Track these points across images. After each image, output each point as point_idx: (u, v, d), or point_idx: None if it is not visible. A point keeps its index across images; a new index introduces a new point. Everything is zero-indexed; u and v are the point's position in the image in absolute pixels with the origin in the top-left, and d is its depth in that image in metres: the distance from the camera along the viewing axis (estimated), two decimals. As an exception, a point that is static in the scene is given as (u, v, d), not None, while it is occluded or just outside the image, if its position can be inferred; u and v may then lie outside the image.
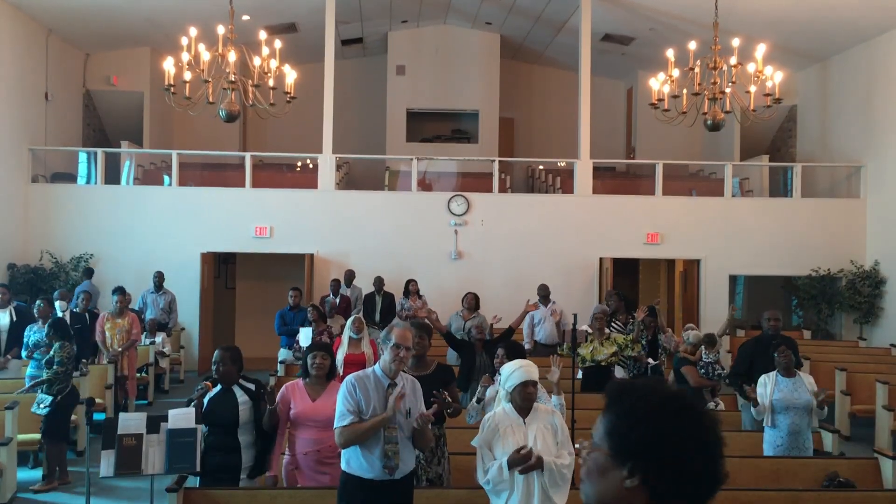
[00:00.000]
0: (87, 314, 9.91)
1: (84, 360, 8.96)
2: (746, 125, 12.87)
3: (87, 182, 14.17)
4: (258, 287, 15.09)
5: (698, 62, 8.78)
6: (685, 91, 8.97)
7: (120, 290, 9.67)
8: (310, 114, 14.76)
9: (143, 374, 10.66)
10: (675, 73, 8.90)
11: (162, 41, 14.56)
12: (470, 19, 16.88)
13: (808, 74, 15.55)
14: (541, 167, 17.22)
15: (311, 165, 15.44)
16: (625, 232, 13.58)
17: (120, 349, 9.33)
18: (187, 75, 8.24)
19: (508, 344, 5.91)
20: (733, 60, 8.59)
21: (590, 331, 7.93)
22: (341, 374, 6.21)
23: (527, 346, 9.52)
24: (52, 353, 7.28)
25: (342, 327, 8.03)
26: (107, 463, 4.84)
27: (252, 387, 5.11)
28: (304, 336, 8.73)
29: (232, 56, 8.22)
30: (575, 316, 6.99)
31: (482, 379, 5.35)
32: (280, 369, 9.44)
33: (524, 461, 3.98)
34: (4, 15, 12.47)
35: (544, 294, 10.71)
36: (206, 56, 8.26)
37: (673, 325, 14.85)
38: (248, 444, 5.03)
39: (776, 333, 7.42)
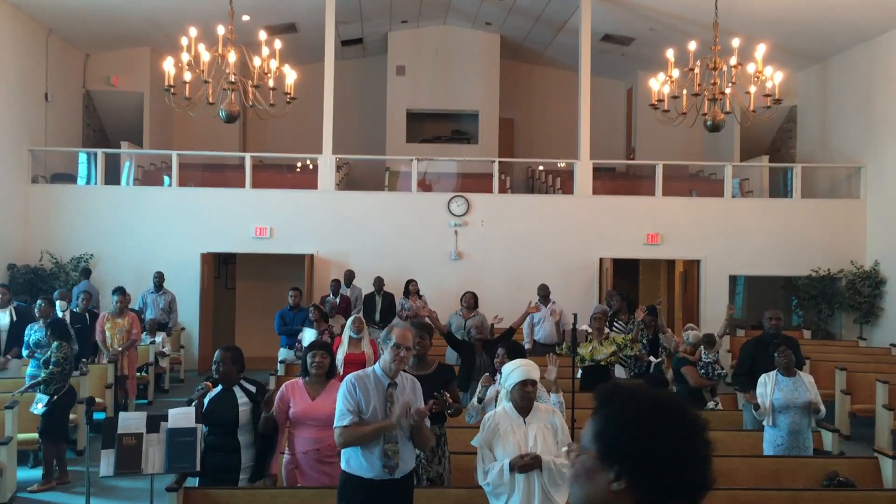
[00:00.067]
0: (87, 314, 9.91)
1: (84, 360, 8.97)
2: (746, 126, 12.87)
3: (87, 182, 14.17)
4: (258, 287, 15.09)
5: (698, 62, 8.78)
6: (685, 91, 8.97)
7: (120, 290, 9.68)
8: (310, 114, 14.77)
9: (143, 374, 10.66)
10: (675, 73, 8.90)
11: (162, 41, 14.56)
12: (470, 19, 16.88)
13: (808, 74, 15.56)
14: (541, 168, 17.23)
15: (311, 166, 15.45)
16: (625, 232, 13.58)
17: (120, 349, 9.33)
18: (187, 76, 8.24)
19: (509, 344, 5.91)
20: (733, 61, 8.59)
21: (590, 330, 7.94)
22: (341, 373, 6.21)
23: (526, 346, 9.53)
24: (49, 353, 7.27)
25: (342, 327, 8.04)
26: (107, 462, 4.84)
27: (253, 389, 5.11)
28: (308, 336, 8.72)
29: (232, 56, 8.22)
30: (575, 316, 6.99)
31: (483, 379, 5.35)
32: (280, 369, 9.45)
33: (528, 468, 3.99)
34: (4, 15, 12.47)
35: (544, 294, 10.72)
36: (206, 56, 8.25)
37: (673, 326, 14.85)
38: (247, 445, 5.02)
39: (777, 333, 7.42)
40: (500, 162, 14.30)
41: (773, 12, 12.53)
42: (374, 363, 4.38)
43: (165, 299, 11.85)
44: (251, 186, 13.55)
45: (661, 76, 9.06)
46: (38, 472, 7.44)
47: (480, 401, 5.22)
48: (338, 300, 11.37)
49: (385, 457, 4.12)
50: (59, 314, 9.05)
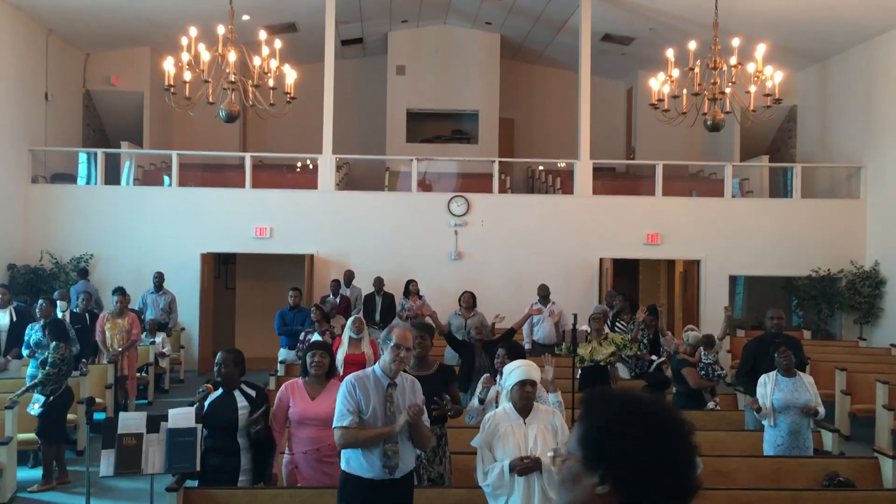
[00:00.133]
0: (87, 314, 9.91)
1: (84, 360, 8.97)
2: (746, 125, 12.87)
3: (87, 182, 14.17)
4: (258, 287, 15.09)
5: (698, 62, 8.78)
6: (685, 91, 8.97)
7: (120, 291, 9.67)
8: (310, 114, 14.77)
9: (143, 374, 10.66)
10: (675, 73, 8.90)
11: (162, 41, 14.56)
12: (470, 19, 16.88)
13: (808, 74, 15.56)
14: (541, 167, 17.23)
15: (311, 166, 15.44)
16: (625, 232, 13.58)
17: (120, 349, 9.33)
18: (187, 75, 8.24)
19: (509, 344, 5.92)
20: (733, 60, 8.59)
21: (588, 330, 7.94)
22: (341, 374, 6.21)
23: (526, 346, 9.52)
24: (46, 353, 7.26)
25: (342, 327, 8.03)
26: (107, 462, 4.84)
27: (253, 393, 5.11)
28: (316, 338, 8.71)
29: (232, 56, 8.22)
30: (575, 316, 7.00)
31: (484, 380, 5.35)
32: (280, 369, 9.45)
33: (528, 471, 3.99)
34: (4, 15, 12.47)
35: (544, 294, 10.72)
36: (206, 56, 8.26)
37: (673, 326, 14.88)
38: (247, 447, 5.02)
39: (779, 332, 7.41)
40: (500, 162, 14.30)
41: (773, 12, 12.53)
42: (374, 363, 4.37)
43: (165, 299, 11.84)
44: (251, 186, 13.55)
45: (661, 76, 9.06)
46: (38, 473, 7.44)
47: (482, 402, 5.22)
48: (338, 300, 11.37)
49: (385, 457, 4.12)
50: (59, 314, 9.04)
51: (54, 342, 7.23)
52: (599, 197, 13.98)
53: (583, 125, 13.89)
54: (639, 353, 9.00)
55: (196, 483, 5.07)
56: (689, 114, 8.96)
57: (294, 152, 16.27)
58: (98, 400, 8.66)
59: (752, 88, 8.71)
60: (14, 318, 8.99)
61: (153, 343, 11.10)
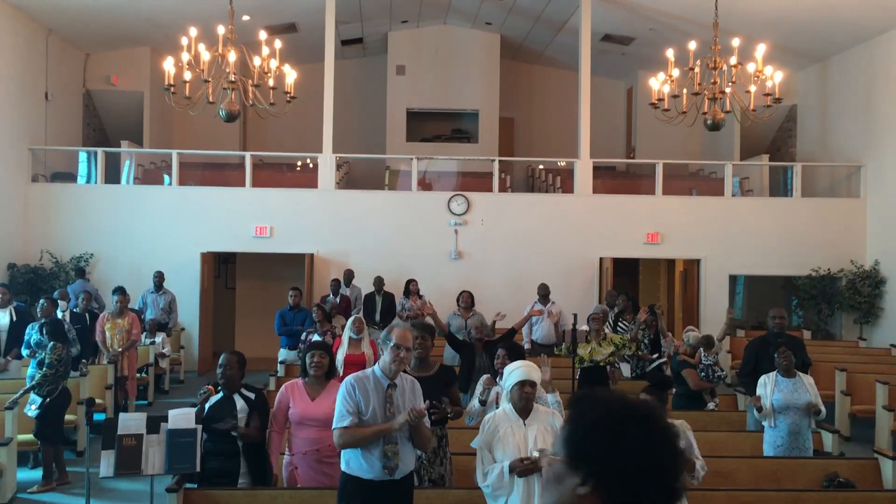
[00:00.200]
0: (87, 314, 9.90)
1: (84, 361, 8.97)
2: (746, 125, 12.87)
3: (87, 182, 14.17)
4: (258, 287, 15.09)
5: (698, 62, 8.78)
6: (685, 91, 8.97)
7: (120, 290, 9.67)
8: (310, 114, 14.77)
9: (143, 375, 10.65)
10: (675, 72, 8.90)
11: (162, 41, 14.55)
12: (470, 19, 16.88)
13: (808, 74, 15.55)
14: (541, 167, 17.23)
15: (311, 165, 15.44)
16: (625, 232, 13.57)
17: (120, 349, 9.32)
18: (187, 75, 8.24)
19: (508, 345, 5.92)
20: (733, 60, 8.59)
21: (587, 329, 7.95)
22: (341, 374, 6.21)
23: (525, 346, 9.52)
24: (42, 354, 7.24)
25: (342, 327, 8.03)
26: (107, 463, 4.85)
27: (252, 396, 5.11)
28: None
29: (232, 56, 8.22)
30: (575, 316, 7.00)
31: (485, 381, 5.34)
32: (280, 370, 9.45)
33: (528, 473, 3.99)
34: (4, 15, 12.47)
35: (544, 293, 10.72)
36: (206, 56, 8.26)
37: (673, 325, 14.88)
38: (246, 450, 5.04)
39: (781, 332, 7.41)
40: (500, 161, 14.29)
41: (773, 12, 12.53)
42: (374, 364, 4.37)
43: (165, 299, 11.84)
44: (251, 185, 13.54)
45: (662, 75, 9.06)
46: (38, 473, 7.44)
47: (483, 403, 5.21)
48: (338, 300, 11.37)
49: (385, 458, 4.12)
50: (60, 314, 9.03)
51: (51, 342, 7.21)
52: (599, 196, 13.97)
53: (583, 125, 13.88)
54: (640, 353, 9.02)
55: (195, 485, 5.07)
56: (689, 113, 8.96)
57: (294, 152, 16.27)
58: (98, 401, 8.65)
59: (752, 88, 8.71)
60: (14, 318, 8.98)
61: (153, 343, 11.09)
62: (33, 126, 13.49)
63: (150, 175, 15.28)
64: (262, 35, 8.67)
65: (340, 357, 6.99)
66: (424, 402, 4.31)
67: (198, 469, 4.88)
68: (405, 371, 4.42)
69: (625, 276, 15.42)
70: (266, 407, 5.22)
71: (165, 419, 4.94)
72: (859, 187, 13.89)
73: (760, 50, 8.57)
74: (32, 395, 7.12)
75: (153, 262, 12.43)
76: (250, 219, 13.30)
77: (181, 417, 4.92)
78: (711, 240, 13.60)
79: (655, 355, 9.03)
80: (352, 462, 4.17)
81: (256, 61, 8.17)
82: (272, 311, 10.80)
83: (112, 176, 14.28)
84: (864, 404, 9.47)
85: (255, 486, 5.04)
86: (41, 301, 8.63)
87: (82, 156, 14.64)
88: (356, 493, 4.14)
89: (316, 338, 8.73)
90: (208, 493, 4.91)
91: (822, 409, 6.27)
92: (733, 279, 14.40)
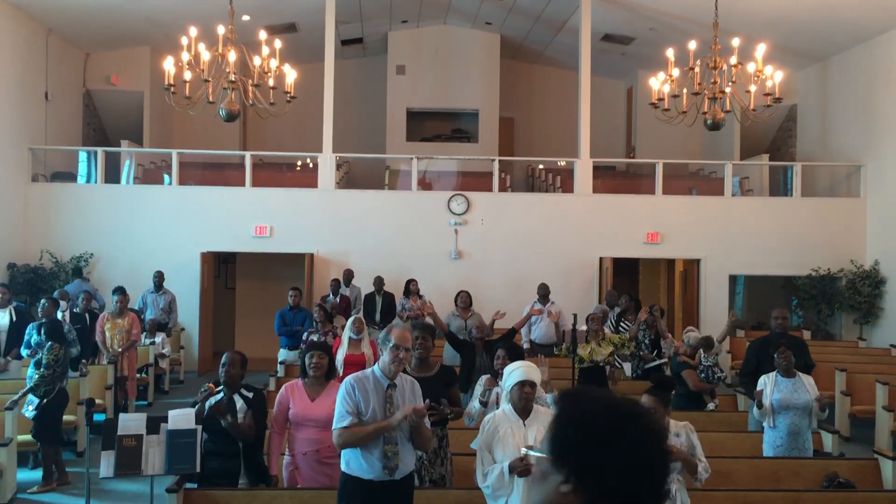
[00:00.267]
0: (87, 314, 9.90)
1: (84, 361, 8.96)
2: (746, 125, 12.86)
3: (87, 181, 14.16)
4: (258, 287, 15.08)
5: (698, 62, 8.78)
6: (685, 90, 8.97)
7: (120, 290, 9.67)
8: (310, 113, 14.76)
9: (143, 375, 10.65)
10: (675, 72, 8.90)
11: (162, 41, 14.55)
12: (470, 19, 16.87)
13: (808, 74, 15.55)
14: (541, 166, 17.22)
15: (311, 165, 15.44)
16: (625, 231, 13.57)
17: (120, 349, 9.32)
18: (187, 75, 8.24)
19: (508, 345, 5.92)
20: (733, 60, 8.59)
21: (587, 330, 7.94)
22: (341, 374, 6.21)
23: (524, 346, 9.52)
24: (40, 354, 7.23)
25: (342, 328, 8.03)
26: (107, 463, 4.85)
27: (251, 395, 5.12)
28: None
29: (232, 56, 8.22)
30: (575, 316, 7.00)
31: (486, 381, 5.34)
32: (280, 370, 9.44)
33: (528, 472, 3.98)
34: (4, 15, 12.46)
35: (544, 293, 10.71)
36: (206, 56, 8.26)
37: (673, 325, 14.87)
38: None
39: (784, 332, 7.41)
40: (500, 160, 14.29)
41: (773, 12, 12.53)
42: (374, 364, 4.38)
43: (165, 299, 11.83)
44: (251, 185, 13.54)
45: (662, 75, 9.06)
46: (38, 474, 7.44)
47: (485, 404, 5.21)
48: (337, 300, 11.36)
49: (385, 458, 4.12)
50: (59, 315, 9.03)
51: (49, 343, 7.20)
52: (599, 196, 13.97)
53: (583, 124, 13.88)
54: (641, 353, 9.02)
55: (195, 485, 5.07)
56: (689, 113, 8.96)
57: (294, 151, 16.26)
58: (98, 401, 8.65)
59: (752, 88, 8.71)
60: (14, 318, 8.98)
61: (153, 343, 11.08)
62: (33, 126, 13.49)
63: (150, 175, 15.28)
64: (262, 35, 8.66)
65: (340, 357, 6.99)
66: (424, 402, 4.31)
67: (198, 469, 4.88)
68: (405, 371, 4.42)
69: (625, 276, 15.42)
70: (263, 406, 5.22)
71: (165, 420, 4.94)
72: (859, 187, 13.88)
73: (760, 50, 8.57)
74: (30, 396, 7.12)
75: (153, 262, 12.42)
76: (250, 219, 13.29)
77: (181, 418, 4.92)
78: (711, 240, 13.59)
79: (655, 352, 9.04)
80: (352, 462, 4.17)
81: (256, 61, 8.17)
82: (272, 312, 10.79)
83: (112, 176, 14.28)
84: (863, 405, 9.46)
85: (252, 487, 5.04)
86: (42, 301, 8.63)
87: (82, 156, 14.63)
88: (356, 494, 4.15)
89: (315, 338, 8.74)
90: (208, 493, 4.91)
91: (824, 408, 6.27)
92: (733, 279, 14.39)
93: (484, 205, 13.58)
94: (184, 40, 8.24)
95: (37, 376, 7.11)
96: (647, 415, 1.56)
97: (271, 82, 8.40)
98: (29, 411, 7.08)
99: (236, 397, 5.05)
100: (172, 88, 8.17)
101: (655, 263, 16.59)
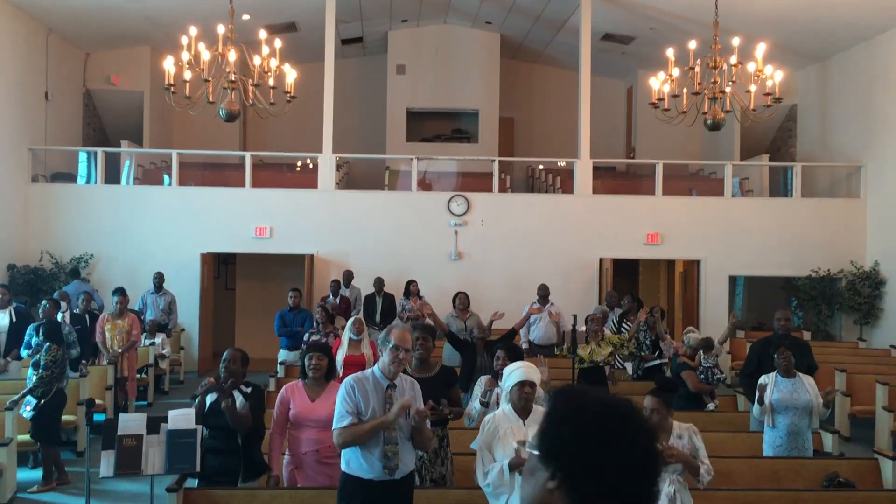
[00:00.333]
0: (86, 315, 9.90)
1: (84, 362, 8.96)
2: (746, 125, 12.86)
3: (87, 182, 14.16)
4: (258, 287, 15.08)
5: (698, 61, 8.78)
6: (685, 90, 8.97)
7: (120, 291, 9.67)
8: (310, 113, 14.76)
9: (143, 376, 10.65)
10: (676, 72, 8.90)
11: (162, 40, 14.56)
12: (470, 19, 16.88)
13: (808, 74, 15.55)
14: (541, 167, 17.22)
15: (311, 165, 15.44)
16: (625, 232, 13.57)
17: (120, 350, 9.33)
18: (187, 74, 8.24)
19: (508, 346, 5.92)
20: (733, 60, 8.59)
21: (587, 331, 7.95)
22: (341, 375, 6.21)
23: (523, 346, 9.52)
24: (38, 355, 7.23)
25: (342, 328, 8.03)
26: (107, 463, 4.85)
27: (249, 390, 5.12)
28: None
29: (232, 55, 8.21)
30: (575, 317, 7.00)
31: (486, 382, 5.34)
32: (280, 370, 9.44)
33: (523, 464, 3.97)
34: (4, 15, 12.46)
35: (543, 294, 10.71)
36: (206, 55, 8.25)
37: (673, 326, 14.87)
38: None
39: (786, 334, 7.41)
40: (500, 161, 14.29)
41: (773, 12, 12.53)
42: (374, 365, 4.38)
43: (165, 300, 11.83)
44: (251, 186, 13.54)
45: (662, 75, 9.06)
46: (38, 473, 7.45)
47: (486, 405, 5.21)
48: (338, 301, 11.36)
49: (385, 458, 4.12)
50: (59, 316, 9.03)
51: (47, 344, 7.19)
52: (599, 196, 13.97)
53: (583, 124, 13.88)
54: (642, 353, 9.02)
55: (196, 483, 5.07)
56: (689, 113, 8.95)
57: (294, 152, 16.26)
58: (98, 401, 8.65)
59: (753, 88, 8.71)
60: (14, 319, 8.98)
61: (153, 344, 11.08)
62: (33, 126, 13.48)
63: (150, 175, 15.28)
64: (262, 34, 8.66)
65: (340, 358, 6.99)
66: (426, 403, 4.32)
67: (198, 469, 4.89)
68: (405, 372, 4.42)
69: (625, 276, 15.42)
70: (262, 400, 5.22)
71: (165, 420, 4.94)
72: (859, 187, 13.88)
73: (760, 49, 8.56)
74: (28, 397, 7.12)
75: (153, 262, 12.42)
76: (250, 219, 13.29)
77: (181, 418, 4.92)
78: (711, 240, 13.59)
79: (656, 353, 9.04)
80: (352, 462, 4.17)
81: (256, 61, 8.17)
82: (272, 312, 10.78)
83: (112, 176, 14.27)
84: (863, 405, 9.47)
85: (255, 484, 5.04)
86: (43, 302, 8.62)
87: (82, 156, 14.63)
88: (356, 493, 4.15)
89: (314, 338, 8.74)
90: (208, 492, 4.91)
91: (825, 408, 6.27)
92: (733, 280, 14.39)
93: (484, 205, 13.58)
94: (184, 40, 8.23)
95: (35, 377, 7.10)
96: (638, 414, 1.55)
97: (271, 82, 8.40)
98: (27, 412, 7.07)
99: (236, 394, 5.05)
100: (172, 88, 8.16)
101: (655, 264, 16.59)
